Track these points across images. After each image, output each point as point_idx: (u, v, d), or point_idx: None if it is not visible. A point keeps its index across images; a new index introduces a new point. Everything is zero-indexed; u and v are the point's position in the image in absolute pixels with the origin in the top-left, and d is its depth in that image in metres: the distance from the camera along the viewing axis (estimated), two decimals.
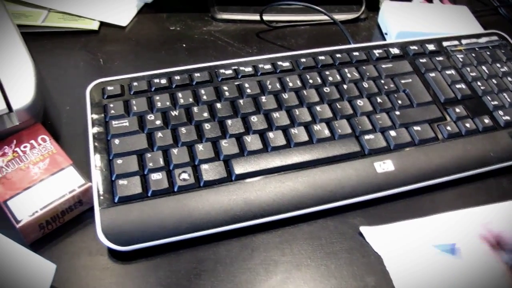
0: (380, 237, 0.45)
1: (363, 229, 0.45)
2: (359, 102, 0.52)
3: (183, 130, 0.48)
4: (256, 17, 0.69)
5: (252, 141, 0.47)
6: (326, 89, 0.53)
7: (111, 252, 0.43)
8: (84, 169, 0.45)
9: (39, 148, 0.46)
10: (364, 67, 0.57)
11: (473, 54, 0.61)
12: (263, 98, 0.51)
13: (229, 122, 0.49)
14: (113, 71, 0.59)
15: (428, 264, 0.43)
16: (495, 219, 0.46)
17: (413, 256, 0.44)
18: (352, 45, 0.61)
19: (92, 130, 0.48)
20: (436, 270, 0.43)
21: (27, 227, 0.41)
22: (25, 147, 0.46)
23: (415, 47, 0.61)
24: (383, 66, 0.57)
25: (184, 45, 0.65)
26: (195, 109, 0.50)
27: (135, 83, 0.52)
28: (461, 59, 0.60)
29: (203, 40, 0.66)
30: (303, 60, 0.56)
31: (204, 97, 0.51)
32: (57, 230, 0.44)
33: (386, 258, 0.44)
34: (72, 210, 0.44)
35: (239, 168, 0.45)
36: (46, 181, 0.44)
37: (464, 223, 0.46)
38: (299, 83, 0.54)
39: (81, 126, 0.51)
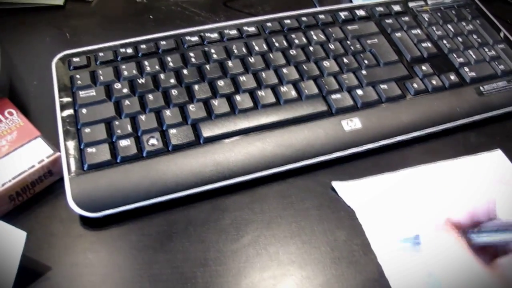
0: (352, 191, 0.46)
1: (335, 184, 0.46)
2: (326, 63, 0.53)
3: (150, 97, 0.47)
4: None
5: (220, 105, 0.47)
6: (292, 52, 0.53)
7: (83, 219, 0.43)
8: (53, 140, 0.45)
9: (6, 122, 0.46)
10: (330, 29, 0.57)
11: (439, 14, 0.62)
12: (229, 63, 0.51)
13: (196, 87, 0.49)
14: (80, 45, 0.58)
15: (399, 215, 0.44)
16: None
17: (384, 208, 0.44)
18: (318, 9, 0.61)
19: (59, 101, 0.47)
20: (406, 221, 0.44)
21: None
22: None
23: (381, 9, 0.61)
24: (349, 27, 0.57)
25: (151, 17, 0.65)
26: (162, 76, 0.49)
27: (101, 54, 0.51)
28: (427, 19, 0.61)
29: (170, 11, 0.66)
30: (268, 24, 0.56)
31: (171, 64, 0.51)
32: (28, 202, 0.44)
33: (358, 211, 0.44)
34: (42, 180, 0.44)
35: (207, 131, 0.46)
36: (14, 153, 0.44)
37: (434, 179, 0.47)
38: (265, 47, 0.54)
39: (49, 99, 0.50)
